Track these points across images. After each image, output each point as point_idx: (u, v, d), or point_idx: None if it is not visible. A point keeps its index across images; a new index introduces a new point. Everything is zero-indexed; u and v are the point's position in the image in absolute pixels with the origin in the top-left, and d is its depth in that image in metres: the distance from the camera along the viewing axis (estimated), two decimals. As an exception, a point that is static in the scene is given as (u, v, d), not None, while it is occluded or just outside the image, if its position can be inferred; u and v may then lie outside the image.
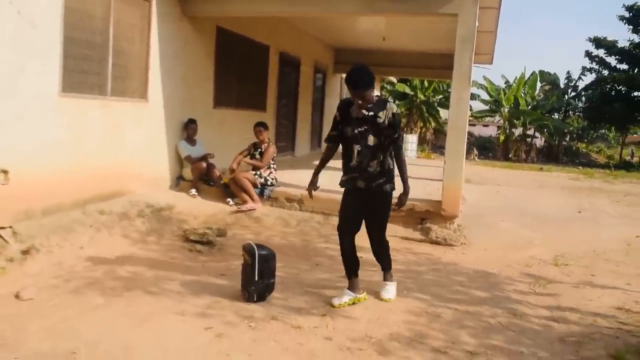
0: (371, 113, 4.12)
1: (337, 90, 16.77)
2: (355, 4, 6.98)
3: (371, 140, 4.13)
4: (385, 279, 4.63)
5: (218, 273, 5.02)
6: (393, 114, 4.12)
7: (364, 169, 4.20)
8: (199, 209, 7.25)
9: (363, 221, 4.49)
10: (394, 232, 6.92)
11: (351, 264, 4.45)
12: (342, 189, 4.49)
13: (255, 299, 4.10)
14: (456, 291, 4.87)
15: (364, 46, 14.86)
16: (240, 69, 9.73)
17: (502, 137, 30.39)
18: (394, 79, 24.84)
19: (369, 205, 4.36)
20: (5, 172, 5.09)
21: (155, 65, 7.21)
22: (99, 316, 3.83)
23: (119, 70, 6.57)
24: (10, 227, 5.15)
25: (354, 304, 4.30)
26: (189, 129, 7.94)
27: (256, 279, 4.06)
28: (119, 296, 4.25)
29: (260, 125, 7.74)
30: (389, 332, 3.74)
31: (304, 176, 9.50)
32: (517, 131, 30.67)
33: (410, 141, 17.65)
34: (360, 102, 4.04)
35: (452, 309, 4.31)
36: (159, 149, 7.57)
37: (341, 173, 4.41)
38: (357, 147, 4.16)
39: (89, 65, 6.11)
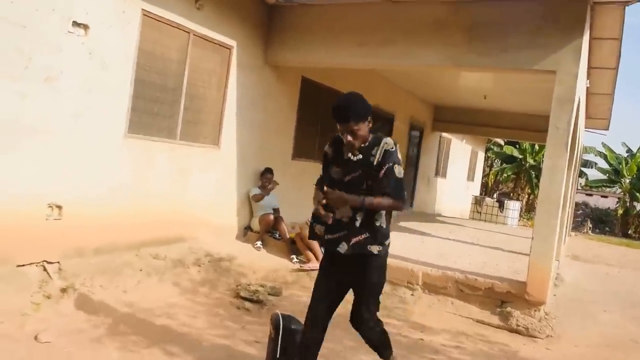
0: (360, 156, 3.20)
1: (436, 148, 16.10)
2: (439, 57, 6.47)
3: (364, 189, 3.16)
4: None
5: (254, 339, 4.55)
6: (387, 150, 3.15)
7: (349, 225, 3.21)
8: (261, 263, 6.89)
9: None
10: (467, 312, 6.12)
11: None
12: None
13: (275, 380, 3.57)
14: (526, 399, 4.01)
15: (465, 104, 14.21)
16: (326, 121, 9.47)
17: (621, 211, 27.63)
18: (501, 141, 23.62)
19: (353, 275, 3.33)
20: (59, 207, 5.07)
21: (231, 111, 7.11)
22: (104, 376, 3.50)
23: (191, 114, 6.51)
24: (58, 262, 5.08)
25: None
26: (264, 178, 7.71)
27: (278, 356, 3.54)
28: (135, 353, 3.93)
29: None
30: None
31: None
32: (639, 205, 27.77)
33: (512, 208, 16.35)
34: (350, 139, 3.13)
35: None
36: (229, 196, 7.39)
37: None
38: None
39: (160, 108, 6.09)
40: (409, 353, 4.65)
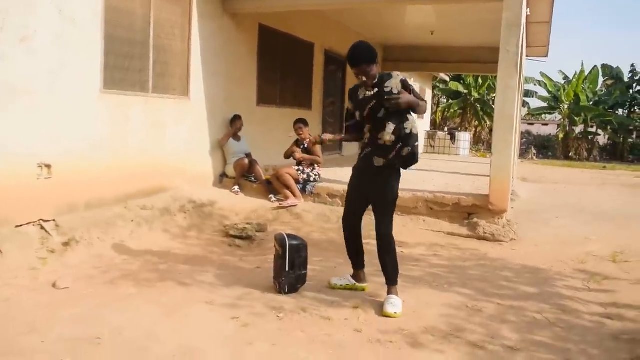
0: (375, 89, 3.85)
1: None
2: (396, -9, 6.79)
3: (381, 112, 3.82)
4: (389, 293, 3.95)
5: (254, 266, 4.95)
6: (401, 80, 3.83)
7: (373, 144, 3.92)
8: (241, 206, 7.23)
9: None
10: (439, 227, 6.70)
11: (355, 250, 4.30)
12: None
13: (286, 291, 3.99)
14: (501, 286, 4.59)
15: (412, 42, 14.58)
16: (284, 66, 9.70)
17: (561, 135, 29.16)
18: (446, 77, 24.29)
19: (373, 187, 4.03)
20: (48, 166, 5.21)
21: (196, 62, 7.25)
22: (129, 305, 3.82)
23: (160, 67, 6.64)
24: (54, 220, 5.26)
25: (351, 290, 4.24)
26: (236, 124, 7.94)
27: (287, 269, 3.95)
28: (151, 287, 4.24)
29: (300, 122, 7.66)
30: (423, 326, 3.54)
31: (350, 173, 9.39)
32: (578, 129, 29.33)
33: (463, 139, 17.16)
34: (364, 78, 3.82)
35: (494, 304, 4.06)
36: (202, 145, 7.62)
37: None
38: (368, 125, 3.93)
39: (131, 63, 6.20)
40: (395, 263, 5.15)
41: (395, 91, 3.78)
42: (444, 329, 3.51)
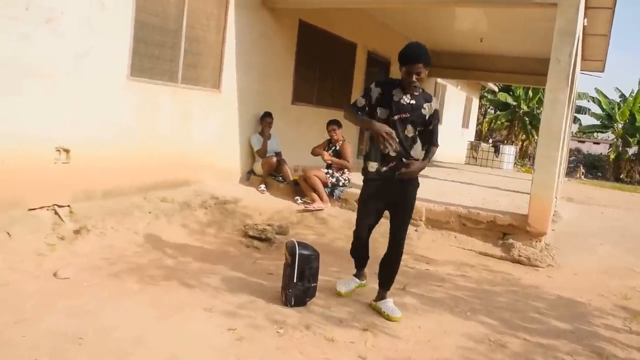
0: (413, 101, 3.77)
1: (432, 94, 16.02)
2: (442, -8, 6.41)
3: (410, 130, 3.78)
4: (383, 298, 3.97)
5: (266, 271, 4.68)
6: (435, 109, 3.83)
7: (400, 159, 3.82)
8: (265, 205, 6.99)
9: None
10: (470, 245, 6.29)
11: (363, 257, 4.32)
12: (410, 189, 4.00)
13: (292, 303, 3.70)
14: (531, 319, 4.18)
15: (460, 49, 14.07)
16: (324, 65, 9.42)
17: (613, 156, 27.88)
18: (495, 87, 23.54)
19: (399, 198, 3.93)
20: (66, 150, 5.08)
21: (230, 55, 7.05)
22: (126, 303, 3.61)
23: (191, 58, 6.46)
24: (69, 206, 5.14)
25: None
26: (264, 122, 7.72)
27: (295, 280, 3.67)
28: (154, 285, 4.03)
29: (334, 124, 7.36)
30: (437, 358, 3.19)
31: None
32: (632, 150, 27.99)
33: (508, 152, 16.49)
34: (415, 79, 3.67)
35: (521, 339, 3.65)
36: (231, 140, 7.42)
37: None
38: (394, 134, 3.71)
39: (161, 51, 6.04)
40: (417, 281, 4.80)
41: (426, 115, 3.79)
42: (459, 363, 3.15)
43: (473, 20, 10.23)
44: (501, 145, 16.77)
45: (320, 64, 9.32)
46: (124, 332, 3.09)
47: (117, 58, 5.47)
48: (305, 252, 3.72)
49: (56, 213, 5.02)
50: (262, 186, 7.43)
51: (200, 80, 6.67)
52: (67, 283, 3.93)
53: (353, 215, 6.87)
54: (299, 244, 3.77)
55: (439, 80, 16.37)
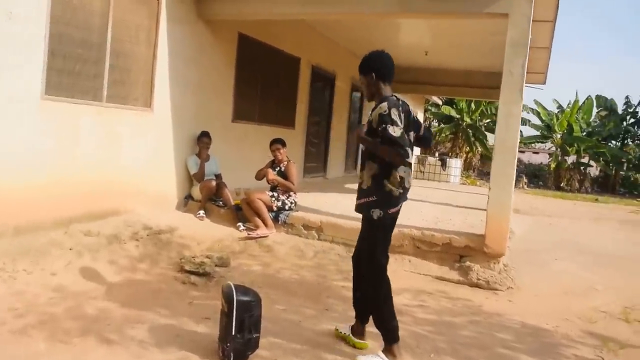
0: (370, 114, 3.46)
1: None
2: (389, 3, 6.07)
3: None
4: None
5: (202, 316, 4.10)
6: (379, 114, 3.27)
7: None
8: (205, 233, 6.40)
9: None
10: (426, 270, 5.91)
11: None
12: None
13: (231, 359, 3.15)
14: (500, 355, 3.79)
15: (405, 63, 13.90)
16: (266, 80, 8.94)
17: (553, 165, 28.60)
18: (439, 101, 23.72)
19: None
20: (-34, 183, 4.37)
21: (163, 70, 6.47)
22: (27, 373, 2.97)
23: (119, 74, 5.85)
24: (-30, 246, 4.42)
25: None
26: (201, 142, 7.14)
27: (233, 332, 3.13)
28: (66, 343, 3.39)
29: (278, 142, 6.88)
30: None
31: (333, 200, 8.58)
32: (570, 159, 28.80)
33: (454, 165, 16.44)
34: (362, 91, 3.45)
35: (492, 385, 3.24)
36: (165, 164, 6.80)
37: None
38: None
39: (82, 67, 5.40)
40: (373, 316, 4.33)
41: (373, 123, 3.36)
42: None
43: (418, 33, 10.03)
44: (447, 159, 16.74)
45: (263, 80, 8.83)
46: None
47: (28, 75, 4.82)
48: (244, 298, 3.19)
49: (-45, 256, 4.30)
50: (201, 212, 6.84)
51: (129, 98, 6.05)
52: (-43, 346, 3.25)
53: (300, 242, 6.45)
54: (237, 288, 3.24)
55: (385, 94, 16.17)
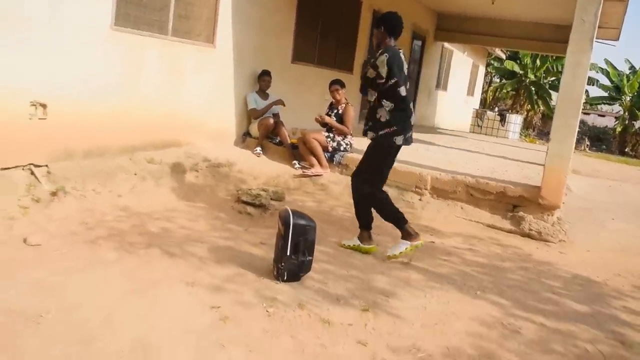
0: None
1: (437, 60, 15.43)
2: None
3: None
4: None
5: (258, 241, 4.30)
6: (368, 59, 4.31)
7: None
8: (261, 169, 6.58)
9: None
10: (478, 217, 5.91)
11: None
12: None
13: (285, 278, 3.33)
14: (547, 299, 3.81)
15: (470, 12, 13.42)
16: (326, 23, 8.86)
17: (619, 129, 27.33)
18: (502, 55, 22.82)
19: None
20: (43, 105, 4.64)
21: (226, 6, 6.53)
22: (100, 274, 3.25)
23: (183, 7, 5.95)
24: (46, 165, 4.73)
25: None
26: (262, 80, 7.23)
27: (288, 253, 3.28)
28: (133, 253, 3.66)
29: (337, 83, 6.89)
30: (445, 345, 2.83)
31: None
32: (639, 123, 27.44)
33: (514, 122, 16.01)
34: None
35: (536, 324, 3.29)
36: (225, 100, 6.95)
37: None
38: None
39: (150, 1, 5.52)
40: (422, 254, 4.43)
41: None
42: (470, 352, 2.78)
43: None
44: (507, 114, 16.29)
45: (323, 22, 8.76)
46: (90, 311, 2.72)
47: (99, 5, 4.97)
48: (301, 222, 3.33)
49: (32, 173, 4.62)
50: (258, 149, 7.01)
51: (192, 33, 6.18)
52: (36, 250, 3.56)
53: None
54: (294, 213, 3.37)
55: (446, 44, 15.75)
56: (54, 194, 4.49)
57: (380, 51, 4.08)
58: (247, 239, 4.34)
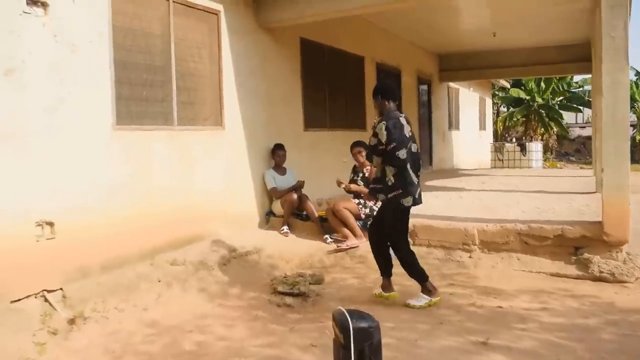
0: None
1: (445, 100, 15.16)
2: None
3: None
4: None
5: (308, 342, 3.75)
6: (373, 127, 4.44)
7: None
8: (292, 250, 6.09)
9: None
10: (538, 267, 5.32)
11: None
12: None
13: (352, 396, 2.75)
14: (659, 363, 3.19)
15: (470, 48, 13.24)
16: (333, 84, 8.59)
17: (638, 137, 26.62)
18: (506, 84, 22.59)
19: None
20: (50, 223, 4.24)
21: (230, 85, 6.24)
22: None
23: (186, 94, 5.66)
24: (61, 289, 4.28)
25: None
26: (276, 155, 6.86)
27: (352, 364, 2.72)
28: (169, 386, 3.12)
29: (359, 145, 6.46)
30: None
31: (435, 201, 7.99)
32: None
33: (535, 149, 15.49)
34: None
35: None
36: (242, 181, 6.56)
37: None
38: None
39: (150, 92, 5.24)
40: (494, 326, 3.86)
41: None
42: None
43: (480, 14, 9.40)
44: (527, 143, 15.79)
45: (330, 83, 8.49)
46: None
47: (98, 106, 4.67)
48: (362, 325, 2.75)
49: (46, 300, 4.17)
50: (285, 228, 6.53)
51: (199, 119, 5.85)
52: (59, 399, 3.04)
53: (394, 249, 6.02)
54: (351, 314, 2.81)
55: (451, 84, 15.51)
56: (72, 321, 4.02)
57: (379, 119, 4.34)
58: (294, 341, 3.79)
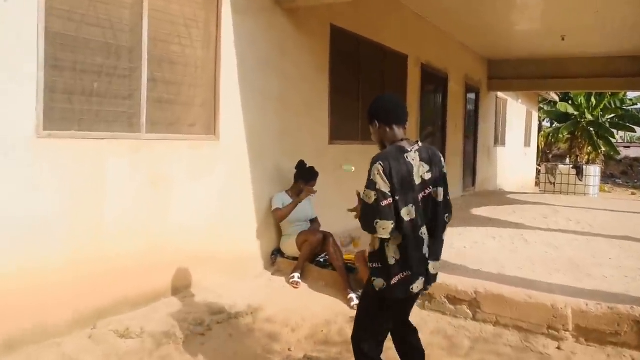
0: None
1: (493, 112, 13.33)
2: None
3: None
4: None
5: None
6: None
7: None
8: (302, 311, 4.38)
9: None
10: None
11: None
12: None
13: None
14: None
15: (526, 54, 11.44)
16: (368, 86, 6.87)
17: None
18: (555, 97, 20.59)
19: None
20: None
21: (229, 81, 4.59)
22: None
23: (163, 89, 4.02)
24: None
25: None
26: (303, 184, 5.15)
27: None
28: None
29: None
30: None
31: (471, 238, 6.17)
32: None
33: (593, 174, 13.54)
34: None
35: None
36: (241, 211, 4.89)
37: None
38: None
39: (105, 84, 3.61)
40: None
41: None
42: None
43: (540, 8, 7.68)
44: (584, 166, 13.83)
45: (364, 87, 6.78)
46: None
47: (11, 101, 3.04)
48: None
49: None
50: (296, 276, 4.83)
51: (181, 124, 4.20)
52: None
53: (446, 323, 4.20)
54: None
55: (499, 94, 13.69)
56: None
57: (374, 158, 2.67)
58: None
